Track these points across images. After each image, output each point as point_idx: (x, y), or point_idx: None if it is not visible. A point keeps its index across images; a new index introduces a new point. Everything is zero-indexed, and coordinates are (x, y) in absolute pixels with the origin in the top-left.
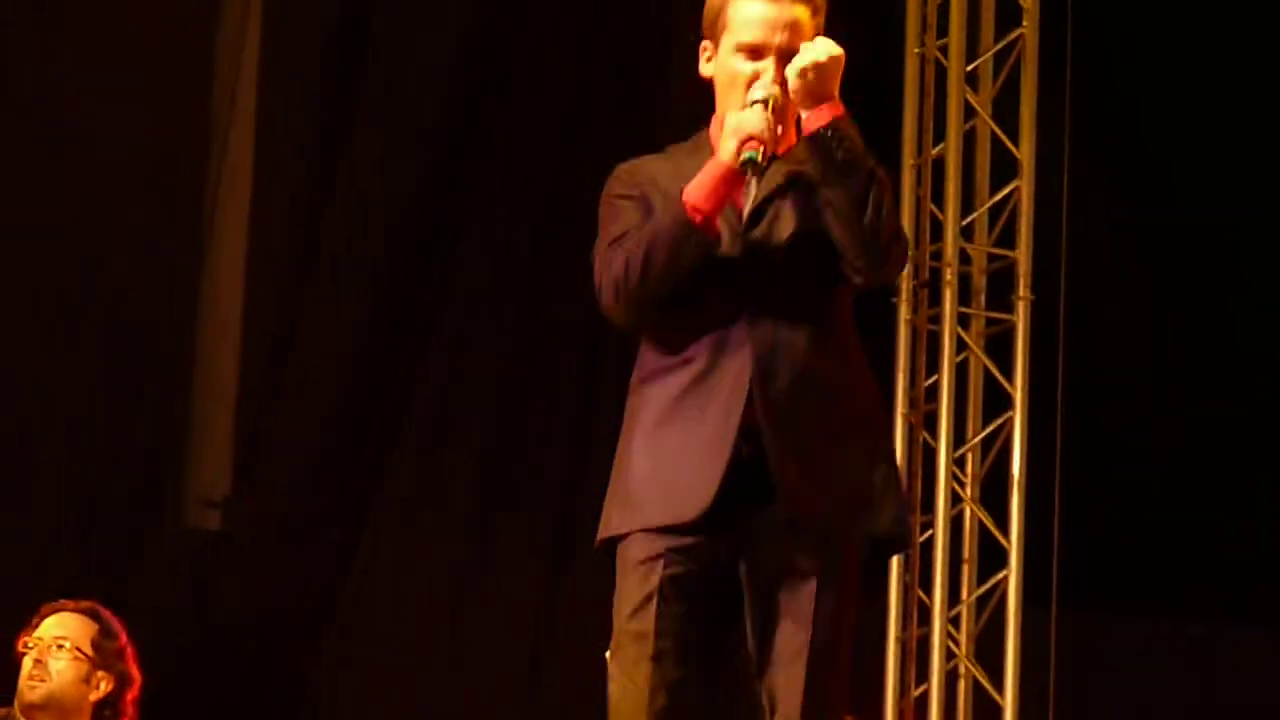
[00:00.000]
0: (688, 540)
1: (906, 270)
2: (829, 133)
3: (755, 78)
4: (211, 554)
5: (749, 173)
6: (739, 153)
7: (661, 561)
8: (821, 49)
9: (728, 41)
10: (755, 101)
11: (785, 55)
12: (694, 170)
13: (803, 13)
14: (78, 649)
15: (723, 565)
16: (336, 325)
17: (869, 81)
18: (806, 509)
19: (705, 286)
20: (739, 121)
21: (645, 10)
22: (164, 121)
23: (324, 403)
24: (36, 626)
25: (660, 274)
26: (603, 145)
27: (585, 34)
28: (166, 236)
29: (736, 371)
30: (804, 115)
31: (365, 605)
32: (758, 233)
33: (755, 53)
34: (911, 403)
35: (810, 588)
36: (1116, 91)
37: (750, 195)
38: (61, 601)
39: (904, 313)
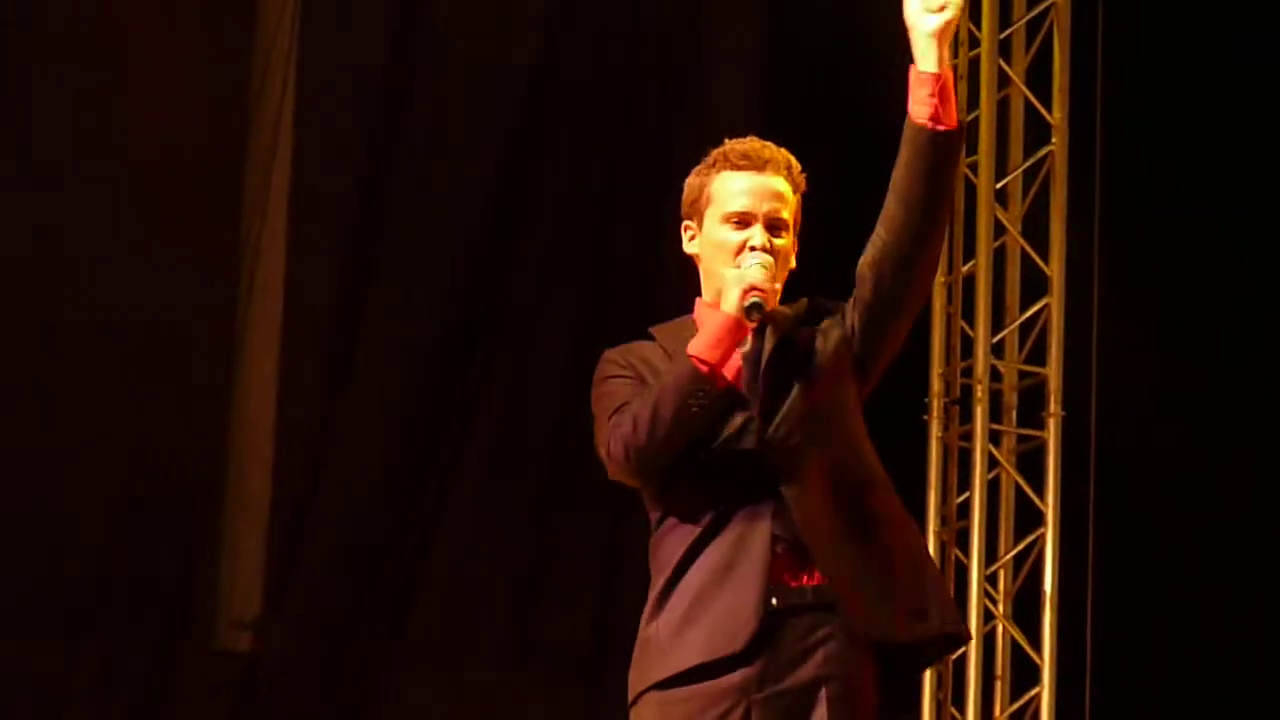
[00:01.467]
0: (722, 681)
1: (937, 388)
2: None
3: (744, 245)
4: (243, 676)
5: (753, 318)
6: (743, 300)
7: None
8: None
9: (713, 214)
10: (753, 265)
11: (771, 224)
12: (680, 355)
13: (784, 185)
14: None
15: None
16: (368, 445)
17: None
18: (864, 625)
19: (722, 439)
20: (740, 274)
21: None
22: (193, 235)
23: (357, 523)
24: None
25: (669, 426)
26: (637, 240)
27: (616, 134)
28: (197, 353)
29: (761, 509)
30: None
31: None
32: (769, 380)
33: (742, 221)
34: (943, 520)
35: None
36: (1146, 207)
37: (762, 349)
38: None
39: (935, 430)
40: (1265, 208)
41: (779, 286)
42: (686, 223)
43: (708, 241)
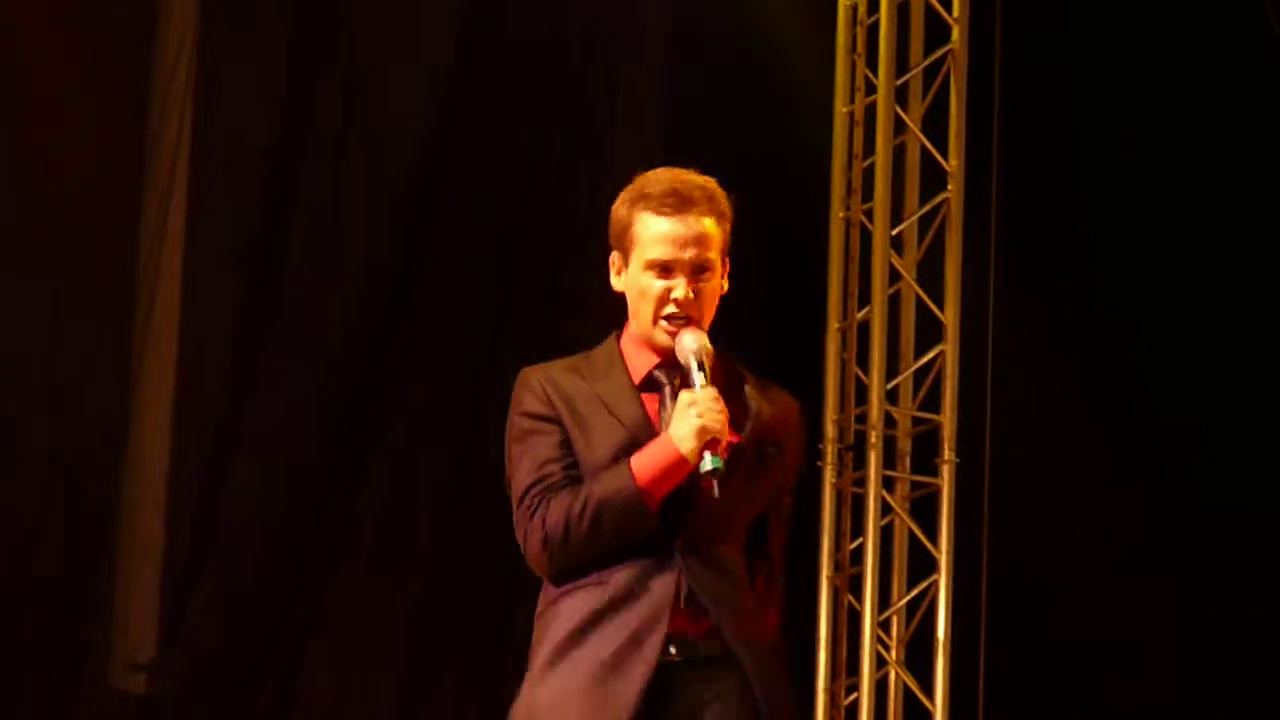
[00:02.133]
0: None
1: (831, 434)
2: None
3: (667, 294)
4: (136, 718)
5: (710, 480)
6: (700, 455)
7: None
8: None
9: (637, 257)
10: (693, 362)
11: (694, 270)
12: (612, 396)
13: (710, 224)
14: None
15: None
16: (265, 483)
17: (794, 246)
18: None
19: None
20: (703, 423)
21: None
22: (88, 268)
23: (252, 563)
24: None
25: (604, 544)
26: (539, 277)
27: (528, 152)
28: (92, 393)
29: (663, 596)
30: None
31: None
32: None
33: (665, 269)
34: (836, 566)
35: None
36: (1042, 253)
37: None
38: None
39: (829, 476)
40: (1161, 255)
41: (706, 326)
42: (614, 255)
43: (632, 283)
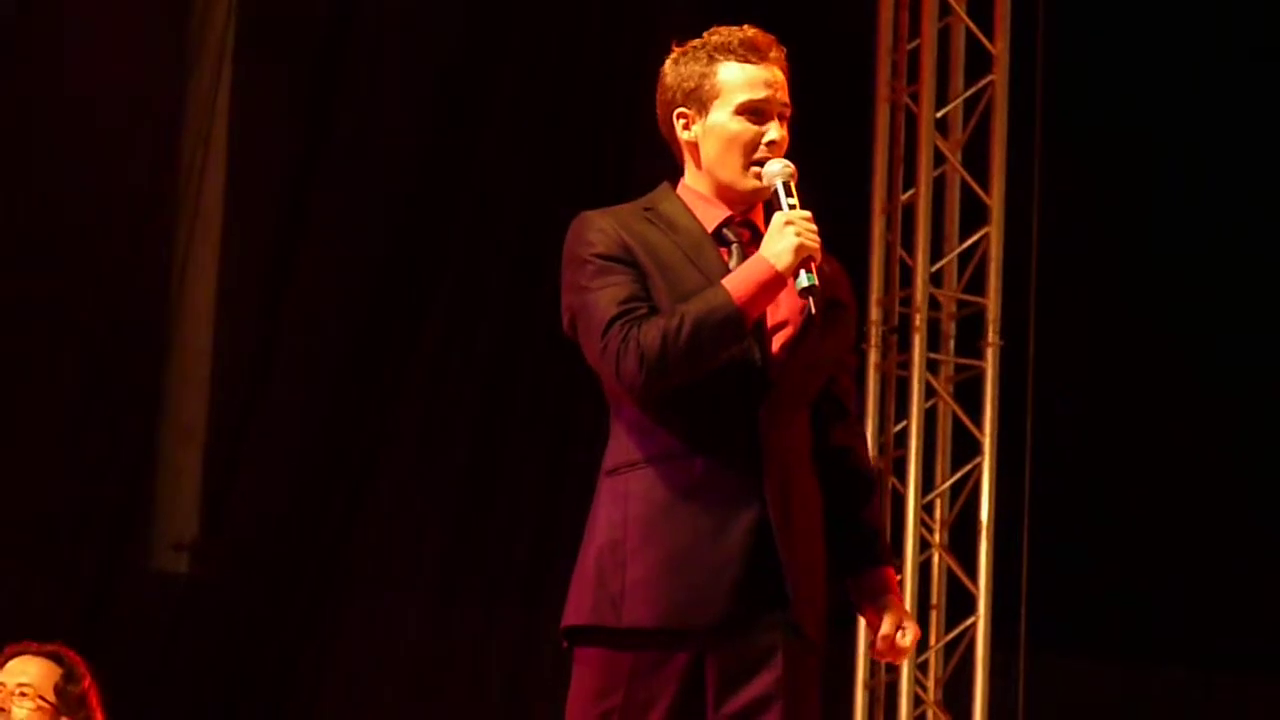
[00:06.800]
0: (670, 649)
1: (876, 316)
2: None
3: (759, 138)
4: (180, 598)
5: (806, 296)
6: (798, 269)
7: (635, 674)
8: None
9: (723, 105)
10: (780, 186)
11: (781, 115)
12: (692, 248)
13: (781, 74)
14: (40, 696)
15: (694, 668)
16: (308, 367)
17: (840, 128)
18: (807, 623)
19: (724, 381)
20: (801, 241)
21: (616, 69)
22: (135, 163)
23: (294, 445)
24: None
25: (701, 362)
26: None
27: (553, 112)
28: (136, 278)
29: (748, 476)
30: None
31: (334, 651)
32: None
33: (757, 114)
34: (880, 448)
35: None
36: (1086, 137)
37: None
38: (26, 644)
39: (873, 358)
40: (1205, 138)
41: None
42: (682, 110)
43: (716, 132)
